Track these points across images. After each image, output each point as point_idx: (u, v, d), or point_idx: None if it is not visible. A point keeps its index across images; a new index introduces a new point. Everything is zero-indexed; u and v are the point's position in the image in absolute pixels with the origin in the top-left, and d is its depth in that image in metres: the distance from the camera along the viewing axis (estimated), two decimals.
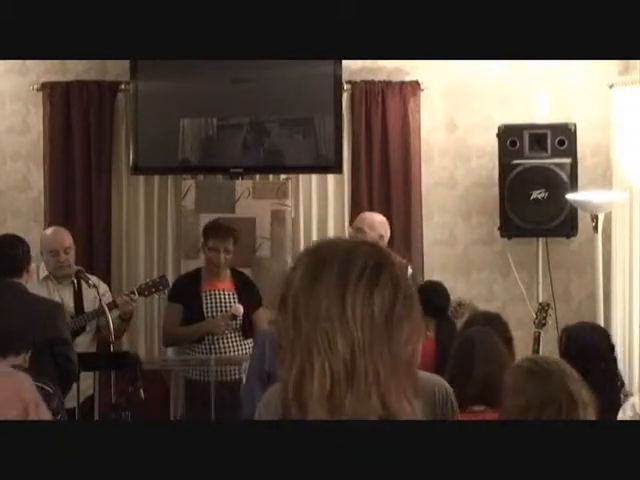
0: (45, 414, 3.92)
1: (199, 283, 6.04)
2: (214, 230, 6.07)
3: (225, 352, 5.93)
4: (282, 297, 1.62)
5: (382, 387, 1.56)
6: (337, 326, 1.55)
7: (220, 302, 5.98)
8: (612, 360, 4.49)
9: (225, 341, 5.94)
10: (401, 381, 1.58)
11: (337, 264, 1.59)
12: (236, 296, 5.98)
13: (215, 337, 5.91)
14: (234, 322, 5.87)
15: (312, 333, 1.56)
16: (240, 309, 5.85)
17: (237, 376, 5.85)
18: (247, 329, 5.93)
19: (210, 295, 6.00)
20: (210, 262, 6.02)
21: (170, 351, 6.64)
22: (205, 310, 5.97)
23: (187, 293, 5.98)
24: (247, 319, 5.93)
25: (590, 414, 3.04)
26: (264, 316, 5.94)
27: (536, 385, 3.09)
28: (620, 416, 4.05)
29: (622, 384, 4.43)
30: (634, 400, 4.11)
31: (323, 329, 1.56)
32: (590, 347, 4.40)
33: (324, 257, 1.61)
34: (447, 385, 3.29)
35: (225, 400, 5.59)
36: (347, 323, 1.55)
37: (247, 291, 6.02)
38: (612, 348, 4.59)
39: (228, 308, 5.94)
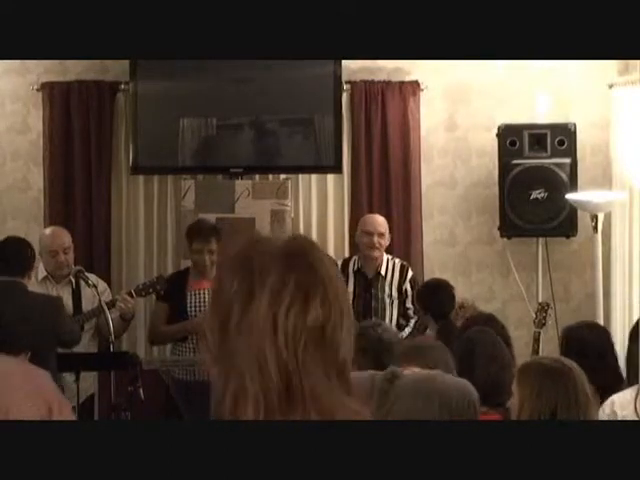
0: (69, 414, 3.90)
1: (186, 282, 6.04)
2: (196, 232, 6.03)
3: None
4: (213, 302, 1.58)
5: (319, 403, 1.54)
6: (269, 353, 1.52)
7: (204, 301, 5.98)
8: (613, 359, 4.49)
9: None
10: (336, 390, 1.56)
11: (270, 285, 1.54)
12: None
13: (199, 336, 5.91)
14: None
15: (244, 359, 1.53)
16: None
17: None
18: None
19: (195, 294, 6.00)
20: (196, 263, 6.01)
21: (170, 351, 6.65)
22: (189, 309, 5.97)
23: (173, 292, 5.97)
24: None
25: (595, 411, 3.13)
26: None
27: (565, 385, 3.13)
28: (600, 414, 4.04)
29: (622, 381, 4.43)
30: (613, 398, 4.11)
31: (255, 356, 1.52)
32: (590, 346, 4.40)
33: (259, 272, 1.55)
34: (472, 392, 3.32)
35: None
36: (280, 349, 1.52)
37: None
38: (612, 346, 4.59)
39: None
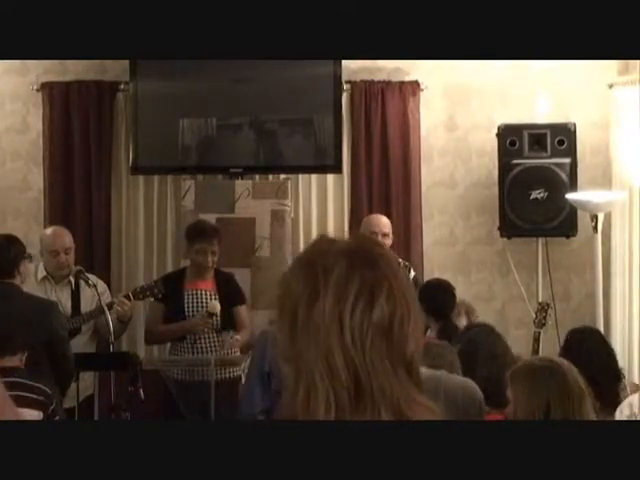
0: (13, 414, 3.87)
1: (182, 282, 6.03)
2: (199, 232, 6.01)
3: (206, 352, 5.92)
4: (281, 305, 1.60)
5: (388, 400, 1.55)
6: (337, 351, 1.53)
7: (201, 301, 5.97)
8: (612, 359, 4.48)
9: (205, 340, 5.93)
10: (406, 386, 1.57)
11: (334, 283, 1.55)
12: (216, 296, 5.97)
13: (197, 336, 5.92)
14: (212, 320, 5.86)
15: (312, 358, 1.55)
16: (216, 306, 5.85)
17: (225, 375, 5.86)
18: (226, 327, 5.92)
19: (192, 294, 5.99)
20: (198, 265, 5.99)
21: (169, 351, 6.65)
22: (186, 309, 5.97)
23: (170, 292, 5.96)
24: (226, 318, 5.92)
25: (589, 406, 3.15)
26: (244, 313, 5.98)
27: (556, 381, 3.15)
28: (617, 415, 4.06)
29: (621, 378, 4.44)
30: (632, 399, 4.11)
31: (323, 355, 1.54)
32: (588, 346, 4.40)
33: (323, 272, 1.57)
34: (477, 391, 3.32)
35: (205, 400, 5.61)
36: (347, 347, 1.54)
37: (228, 290, 6.00)
38: (611, 350, 4.60)
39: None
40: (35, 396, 4.22)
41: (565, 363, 3.24)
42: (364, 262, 1.58)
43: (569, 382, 3.16)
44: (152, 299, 6.05)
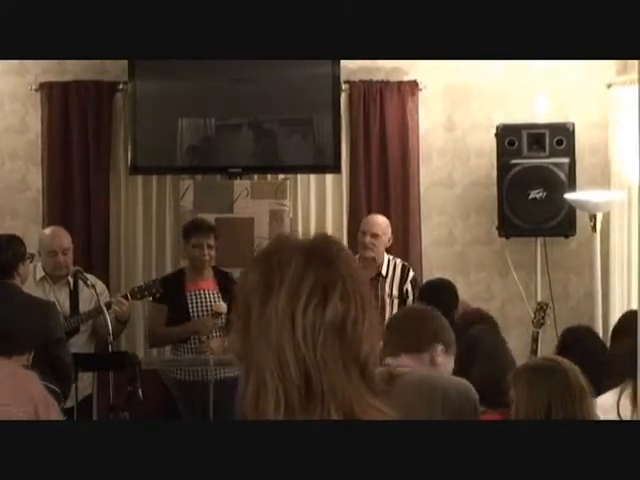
0: (56, 414, 3.89)
1: (183, 283, 6.03)
2: (195, 227, 6.06)
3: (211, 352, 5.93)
4: (236, 302, 1.60)
5: (339, 401, 1.54)
6: (288, 349, 1.53)
7: (205, 302, 5.98)
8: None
9: (212, 340, 5.93)
10: (359, 388, 1.56)
11: (288, 281, 1.55)
12: (220, 295, 5.98)
13: (201, 337, 5.92)
14: (219, 320, 5.87)
15: (264, 355, 1.54)
16: (223, 307, 5.85)
17: (225, 375, 5.87)
18: (231, 328, 5.91)
19: (195, 295, 6.00)
20: (195, 260, 6.00)
21: (169, 351, 6.64)
22: (191, 310, 5.97)
23: (172, 293, 5.95)
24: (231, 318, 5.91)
25: (591, 406, 3.15)
26: None
27: (558, 381, 3.15)
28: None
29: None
30: (595, 401, 4.11)
31: (275, 352, 1.53)
32: (584, 346, 4.41)
33: (278, 268, 1.56)
34: (472, 390, 3.32)
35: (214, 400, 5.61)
36: (298, 344, 1.53)
37: (230, 289, 6.01)
38: (606, 349, 4.60)
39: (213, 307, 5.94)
40: None
41: (567, 362, 3.25)
42: (320, 261, 1.57)
43: (571, 381, 3.17)
44: (150, 299, 6.05)
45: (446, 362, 3.46)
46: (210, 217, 6.52)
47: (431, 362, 3.39)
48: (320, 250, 1.60)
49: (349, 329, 1.55)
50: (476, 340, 4.15)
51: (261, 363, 1.54)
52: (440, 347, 3.43)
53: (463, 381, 3.38)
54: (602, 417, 3.80)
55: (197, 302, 5.99)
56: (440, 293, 5.40)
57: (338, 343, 1.54)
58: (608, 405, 3.83)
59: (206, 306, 5.97)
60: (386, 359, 3.29)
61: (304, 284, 1.55)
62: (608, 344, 4.75)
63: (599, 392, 3.84)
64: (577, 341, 4.51)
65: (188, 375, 5.92)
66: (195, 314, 5.96)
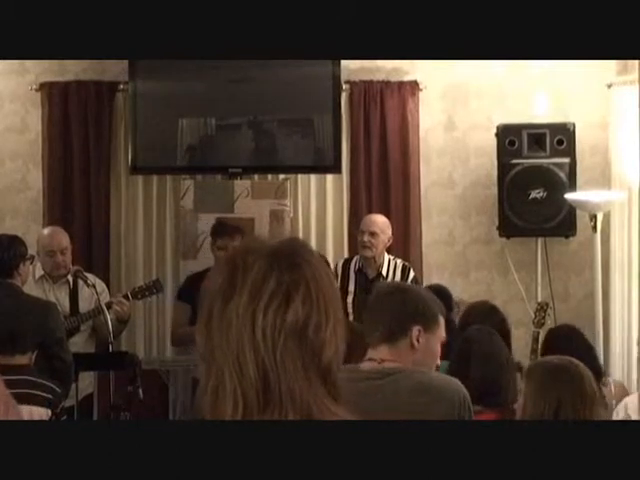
0: (15, 414, 3.87)
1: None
2: (222, 229, 6.13)
3: None
4: (201, 302, 1.60)
5: (298, 404, 1.53)
6: (247, 350, 1.52)
7: None
8: (593, 358, 4.47)
9: None
10: (319, 391, 1.55)
11: (250, 282, 1.55)
12: None
13: None
14: None
15: (223, 355, 1.54)
16: None
17: None
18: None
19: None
20: (218, 262, 6.03)
21: (169, 351, 6.65)
22: None
23: (195, 293, 5.99)
24: None
25: (600, 412, 3.15)
26: None
27: (571, 382, 3.14)
28: (614, 417, 4.06)
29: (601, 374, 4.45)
30: (627, 401, 4.12)
31: (234, 353, 1.53)
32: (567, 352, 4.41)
33: (242, 269, 1.56)
34: (464, 390, 3.28)
35: None
36: (257, 346, 1.52)
37: None
38: (590, 348, 4.60)
39: None
40: (44, 394, 4.24)
41: (582, 366, 3.22)
42: (284, 264, 1.56)
43: (584, 385, 3.15)
44: (150, 299, 6.06)
45: (428, 341, 3.26)
46: (211, 217, 6.53)
47: (411, 347, 3.25)
48: (285, 253, 1.59)
49: (311, 333, 1.54)
50: (471, 341, 4.15)
51: (221, 363, 1.54)
52: (417, 328, 3.22)
53: (454, 380, 3.36)
54: (623, 415, 3.82)
55: None
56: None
57: (299, 347, 1.53)
58: (635, 405, 3.85)
59: None
60: (368, 351, 3.22)
61: (266, 286, 1.54)
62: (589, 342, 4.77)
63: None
64: (562, 340, 4.52)
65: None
66: None
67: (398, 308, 3.24)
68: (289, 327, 1.53)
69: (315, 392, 1.54)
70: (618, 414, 4.06)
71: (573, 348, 4.37)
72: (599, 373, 4.47)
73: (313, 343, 1.54)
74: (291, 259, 1.58)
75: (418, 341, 3.22)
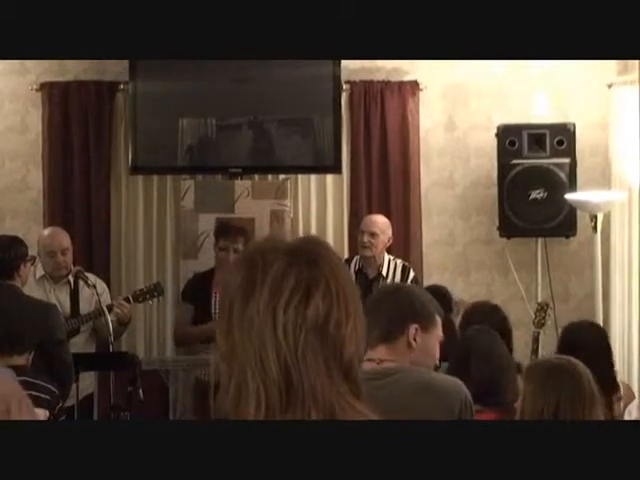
0: (30, 414, 3.88)
1: (210, 283, 6.06)
2: (224, 230, 6.14)
3: None
4: (221, 298, 1.61)
5: (320, 402, 1.53)
6: (269, 348, 1.52)
7: None
8: (609, 364, 4.46)
9: None
10: (341, 389, 1.55)
11: (270, 280, 1.55)
12: None
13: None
14: None
15: (245, 354, 1.54)
16: None
17: None
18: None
19: (219, 296, 6.03)
20: (221, 262, 6.06)
21: (169, 351, 6.65)
22: (213, 311, 6.00)
23: (198, 293, 6.02)
24: None
25: (600, 413, 3.13)
26: None
27: (570, 382, 3.14)
28: (626, 416, 4.06)
29: (617, 389, 4.41)
30: (637, 402, 4.12)
31: (256, 351, 1.53)
32: (584, 343, 4.40)
33: (261, 267, 1.56)
34: (466, 390, 3.28)
35: None
36: (279, 343, 1.52)
37: None
38: (609, 349, 4.58)
39: None
40: (42, 395, 4.23)
41: (581, 366, 3.22)
42: (303, 261, 1.57)
43: (583, 385, 3.15)
44: (151, 302, 6.07)
45: (425, 340, 3.27)
46: (211, 217, 6.54)
47: (408, 346, 3.26)
48: (304, 251, 1.59)
49: (332, 330, 1.54)
50: (470, 341, 4.15)
51: (243, 362, 1.54)
52: (414, 327, 3.24)
53: (455, 380, 3.36)
54: (637, 415, 3.81)
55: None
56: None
57: (320, 343, 1.54)
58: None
59: None
60: (367, 351, 3.22)
61: (286, 283, 1.55)
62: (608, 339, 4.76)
63: (606, 389, 3.83)
64: (583, 336, 4.50)
65: (205, 376, 5.92)
66: (217, 315, 5.99)
67: (395, 308, 3.25)
68: (310, 323, 1.53)
69: (337, 389, 1.55)
70: (631, 414, 4.06)
71: (597, 344, 4.36)
72: (614, 376, 4.46)
73: (334, 339, 1.55)
74: (310, 256, 1.58)
75: (415, 340, 3.23)
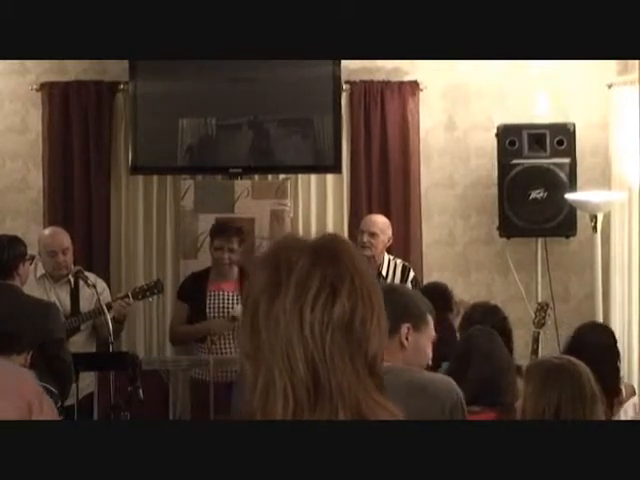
0: (51, 413, 3.89)
1: (206, 283, 6.08)
2: (219, 230, 6.15)
3: (225, 353, 5.96)
4: (245, 300, 1.60)
5: (347, 399, 1.54)
6: (296, 346, 1.53)
7: (223, 303, 6.02)
8: (614, 368, 4.46)
9: (225, 342, 5.97)
10: (367, 386, 1.56)
11: (295, 278, 1.55)
12: (240, 297, 6.00)
13: (217, 337, 5.95)
14: (234, 324, 5.88)
15: (272, 352, 1.54)
16: (239, 311, 5.87)
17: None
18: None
19: (214, 295, 6.04)
20: (215, 261, 6.08)
21: (169, 351, 6.65)
22: (208, 310, 6.01)
23: (193, 292, 6.04)
24: None
25: (601, 412, 3.13)
26: None
27: (570, 382, 3.14)
28: (622, 415, 4.05)
29: (619, 393, 4.42)
30: (635, 400, 4.11)
31: (283, 349, 1.53)
32: (589, 345, 4.40)
33: (286, 266, 1.56)
34: (458, 390, 3.28)
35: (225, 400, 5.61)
36: (306, 341, 1.53)
37: None
38: (617, 353, 4.58)
39: (230, 310, 5.98)
40: None
41: (582, 365, 3.22)
42: (327, 258, 1.57)
43: (583, 384, 3.15)
44: (151, 299, 6.07)
45: (417, 340, 3.29)
46: (211, 217, 6.54)
47: (401, 346, 3.27)
48: (327, 248, 1.60)
49: (357, 326, 1.55)
50: (471, 341, 4.15)
51: (270, 361, 1.54)
52: (406, 326, 3.26)
53: (448, 380, 3.36)
54: (632, 415, 3.80)
55: (215, 302, 6.04)
56: (431, 299, 5.40)
57: (346, 340, 1.54)
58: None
59: (223, 307, 6.03)
60: None
61: (311, 281, 1.55)
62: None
63: (606, 389, 3.82)
64: (593, 337, 4.50)
65: (207, 375, 5.92)
66: (211, 314, 6.02)
67: (388, 308, 3.26)
68: (336, 321, 1.54)
69: (364, 386, 1.55)
70: (627, 413, 4.05)
71: (606, 346, 4.37)
72: (618, 377, 4.46)
73: (360, 336, 1.55)
74: (334, 254, 1.58)
75: (407, 339, 3.25)
